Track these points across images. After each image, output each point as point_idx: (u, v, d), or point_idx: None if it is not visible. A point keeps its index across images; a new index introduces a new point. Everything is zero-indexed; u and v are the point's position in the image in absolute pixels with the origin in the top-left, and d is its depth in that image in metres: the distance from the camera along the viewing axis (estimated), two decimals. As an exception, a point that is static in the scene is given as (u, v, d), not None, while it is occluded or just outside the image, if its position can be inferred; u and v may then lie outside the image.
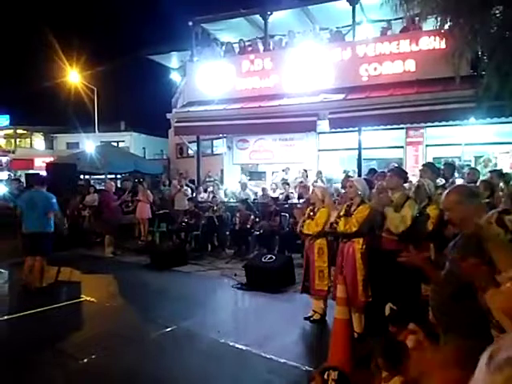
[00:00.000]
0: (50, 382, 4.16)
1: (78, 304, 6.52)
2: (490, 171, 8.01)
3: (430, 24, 9.08)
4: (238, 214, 10.10)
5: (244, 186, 11.96)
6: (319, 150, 13.07)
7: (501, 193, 6.19)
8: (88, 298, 6.71)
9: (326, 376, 2.57)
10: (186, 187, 12.14)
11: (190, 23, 13.37)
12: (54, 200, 7.22)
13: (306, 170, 11.82)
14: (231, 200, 12.13)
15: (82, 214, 12.01)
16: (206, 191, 12.50)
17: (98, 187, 14.12)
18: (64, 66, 23.41)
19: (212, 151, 15.88)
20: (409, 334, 1.52)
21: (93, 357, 4.50)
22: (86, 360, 4.43)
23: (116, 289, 7.39)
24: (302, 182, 11.18)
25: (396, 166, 7.29)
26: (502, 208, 2.68)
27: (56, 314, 6.01)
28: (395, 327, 3.14)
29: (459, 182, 7.31)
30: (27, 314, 5.89)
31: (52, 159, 19.31)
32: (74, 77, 23.74)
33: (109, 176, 15.35)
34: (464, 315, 2.43)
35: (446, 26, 7.54)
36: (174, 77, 17.89)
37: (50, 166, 13.07)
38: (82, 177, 14.76)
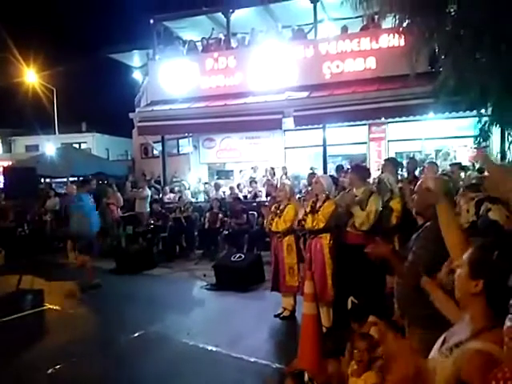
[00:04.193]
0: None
1: (40, 312, 6.30)
2: (451, 164, 8.31)
3: (388, 22, 9.27)
4: (207, 214, 10.02)
5: (217, 186, 11.82)
6: (286, 148, 13.16)
7: (461, 182, 6.44)
8: (51, 306, 6.48)
9: None
10: (145, 189, 11.54)
11: (152, 21, 13.14)
12: None
13: (273, 168, 11.87)
14: (199, 200, 12.00)
15: (43, 219, 11.58)
16: (172, 191, 12.27)
17: (60, 191, 13.65)
18: (21, 66, 22.47)
19: (178, 151, 15.65)
20: (371, 326, 1.55)
21: (58, 366, 4.35)
22: (51, 370, 4.27)
23: (81, 295, 7.16)
24: (269, 180, 11.21)
25: (354, 163, 7.49)
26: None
27: (18, 324, 5.77)
28: (355, 322, 3.19)
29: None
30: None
31: (10, 163, 18.51)
32: (31, 77, 22.83)
33: (71, 179, 14.85)
34: (426, 307, 2.50)
35: (404, 24, 7.70)
36: (137, 76, 17.56)
37: (7, 171, 12.48)
38: (42, 181, 14.23)
